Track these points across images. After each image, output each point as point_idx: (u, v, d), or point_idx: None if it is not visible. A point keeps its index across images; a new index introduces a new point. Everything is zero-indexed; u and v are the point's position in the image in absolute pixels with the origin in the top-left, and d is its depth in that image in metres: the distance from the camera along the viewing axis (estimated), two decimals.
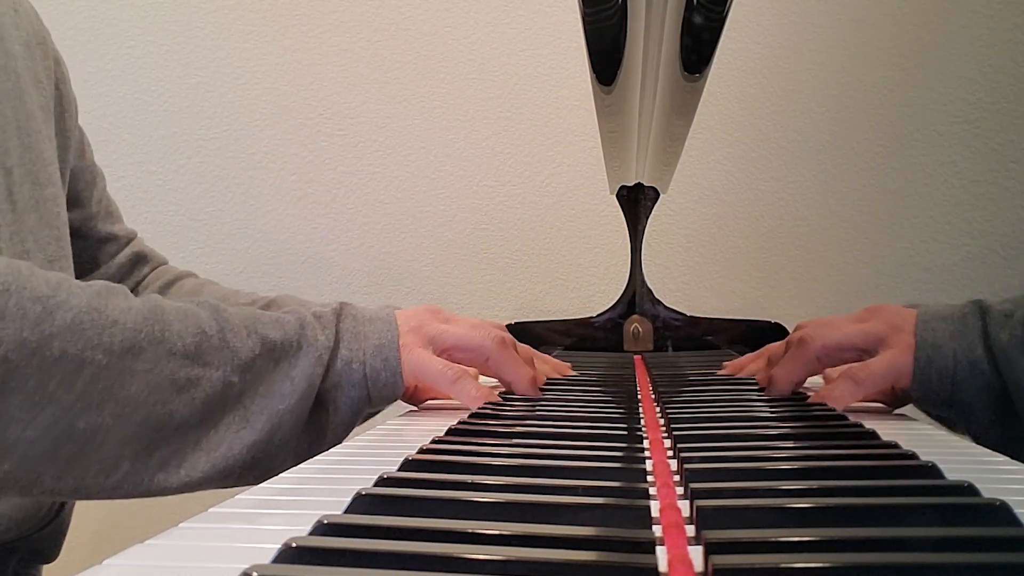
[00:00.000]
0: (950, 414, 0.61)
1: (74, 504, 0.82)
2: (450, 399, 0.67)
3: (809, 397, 0.63)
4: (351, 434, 0.64)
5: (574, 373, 0.78)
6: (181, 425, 0.55)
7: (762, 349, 0.75)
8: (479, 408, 0.59)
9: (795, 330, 0.68)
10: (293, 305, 0.76)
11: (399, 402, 0.73)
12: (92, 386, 0.51)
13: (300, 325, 0.61)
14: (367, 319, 0.64)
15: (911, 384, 0.59)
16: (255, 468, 0.58)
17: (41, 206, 0.74)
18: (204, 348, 0.56)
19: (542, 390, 0.67)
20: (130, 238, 0.91)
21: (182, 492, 0.57)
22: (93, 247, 0.87)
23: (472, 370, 0.69)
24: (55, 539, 0.81)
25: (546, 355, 0.81)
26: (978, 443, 0.61)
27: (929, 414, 0.64)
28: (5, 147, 0.71)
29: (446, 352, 0.65)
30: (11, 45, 0.75)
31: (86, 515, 0.89)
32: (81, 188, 0.86)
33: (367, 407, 0.63)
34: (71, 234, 0.78)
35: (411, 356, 0.62)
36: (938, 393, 0.59)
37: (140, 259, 0.91)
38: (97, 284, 0.55)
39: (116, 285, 0.56)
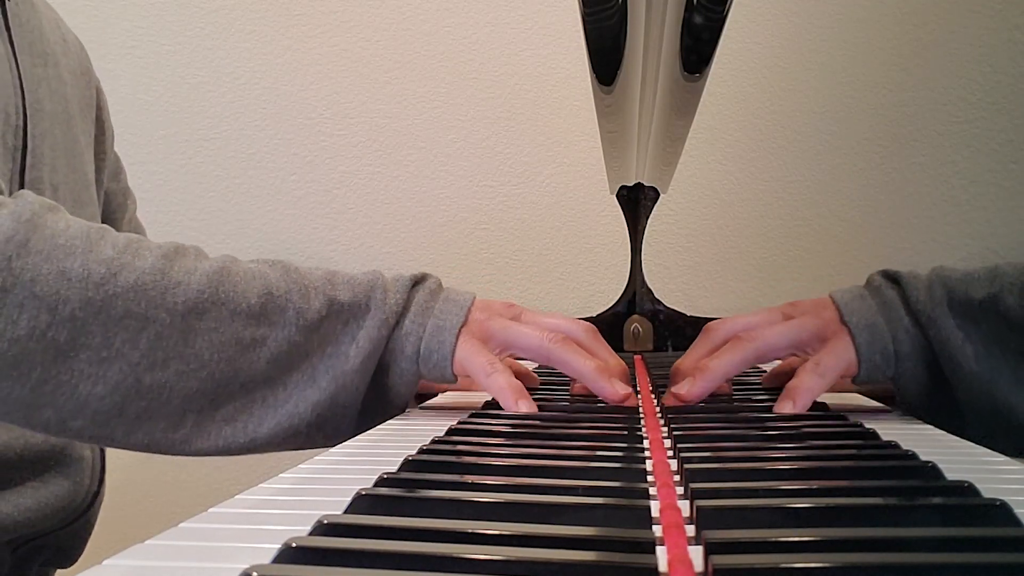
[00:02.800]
0: (891, 387, 0.61)
1: (103, 500, 0.84)
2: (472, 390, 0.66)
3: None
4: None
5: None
6: (247, 382, 0.57)
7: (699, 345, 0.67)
8: (479, 408, 0.59)
9: (706, 331, 0.66)
10: None
11: None
12: (157, 344, 0.54)
13: (371, 287, 0.61)
14: (442, 296, 0.62)
15: (859, 370, 0.58)
16: (322, 429, 0.59)
17: None
18: (269, 308, 0.57)
19: (541, 392, 0.67)
20: None
21: (251, 451, 0.58)
22: None
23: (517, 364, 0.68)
24: (81, 536, 0.82)
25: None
26: (909, 411, 0.61)
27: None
28: (54, 165, 0.75)
29: (506, 350, 0.62)
30: (63, 72, 0.79)
31: None
32: (113, 210, 0.90)
33: (419, 381, 0.62)
34: None
35: (463, 345, 0.60)
36: (884, 371, 0.59)
37: None
38: (168, 245, 0.57)
39: (189, 246, 0.58)
